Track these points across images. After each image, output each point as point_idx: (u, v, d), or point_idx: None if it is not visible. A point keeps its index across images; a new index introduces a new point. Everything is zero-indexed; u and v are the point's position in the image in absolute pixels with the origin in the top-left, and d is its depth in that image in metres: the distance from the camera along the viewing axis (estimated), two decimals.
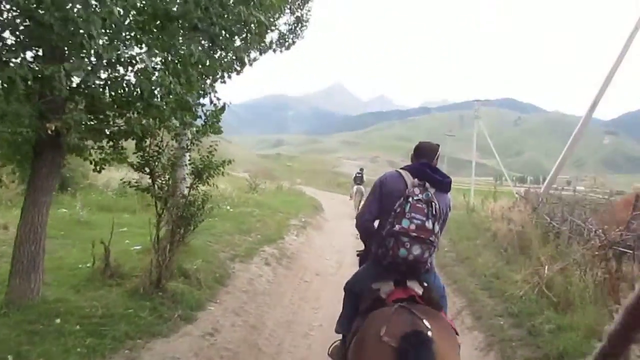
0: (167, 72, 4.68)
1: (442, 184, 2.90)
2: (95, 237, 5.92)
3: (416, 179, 2.86)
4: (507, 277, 6.96)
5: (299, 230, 12.08)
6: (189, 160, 6.56)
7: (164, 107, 4.72)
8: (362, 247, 3.54)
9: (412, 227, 2.67)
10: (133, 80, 4.57)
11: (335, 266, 9.44)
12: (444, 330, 2.46)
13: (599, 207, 8.99)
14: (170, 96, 4.68)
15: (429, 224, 2.69)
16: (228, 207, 13.53)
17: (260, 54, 9.35)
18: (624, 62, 12.28)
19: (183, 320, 4.91)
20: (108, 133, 5.27)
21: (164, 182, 5.97)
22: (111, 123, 5.17)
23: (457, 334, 2.66)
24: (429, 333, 2.29)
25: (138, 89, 4.54)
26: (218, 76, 6.01)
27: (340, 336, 3.25)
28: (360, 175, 18.64)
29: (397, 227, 2.69)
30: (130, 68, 4.56)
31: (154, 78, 4.53)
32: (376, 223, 3.08)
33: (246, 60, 7.12)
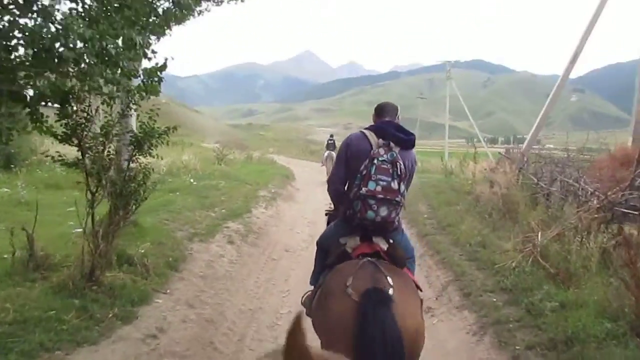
0: (79, 16, 3.72)
1: (406, 141, 2.91)
2: (32, 220, 4.99)
3: (380, 139, 2.87)
4: (496, 245, 6.32)
5: (268, 203, 11.25)
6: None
7: (79, 60, 3.76)
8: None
9: (379, 189, 2.69)
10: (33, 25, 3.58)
11: (307, 240, 8.67)
12: (407, 287, 2.51)
13: (585, 164, 8.40)
14: (86, 45, 3.73)
15: (394, 185, 2.71)
16: (191, 180, 12.59)
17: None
18: (601, 16, 11.58)
19: (120, 320, 4.04)
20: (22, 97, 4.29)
21: (97, 154, 5.00)
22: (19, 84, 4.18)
23: (420, 289, 2.75)
24: (390, 291, 2.34)
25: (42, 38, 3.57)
26: (153, 26, 5.00)
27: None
28: (332, 141, 18.96)
29: (363, 189, 2.70)
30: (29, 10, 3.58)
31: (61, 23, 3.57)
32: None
33: (193, 5, 6.06)
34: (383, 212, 2.70)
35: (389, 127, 2.93)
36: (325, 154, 18.54)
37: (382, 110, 3.15)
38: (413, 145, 2.99)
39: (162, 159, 7.41)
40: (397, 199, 2.72)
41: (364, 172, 2.74)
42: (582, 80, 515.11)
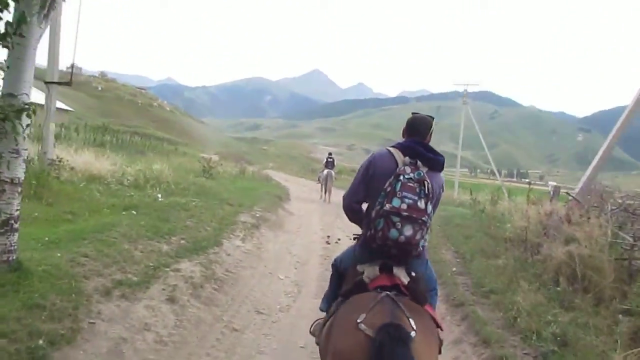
0: None
1: (435, 162, 2.72)
2: None
3: (407, 157, 2.67)
4: (589, 348, 3.87)
5: (248, 232, 8.82)
6: None
7: None
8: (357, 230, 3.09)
9: (404, 206, 2.49)
10: None
11: (291, 292, 6.26)
12: (428, 330, 2.27)
13: None
14: None
15: (421, 204, 2.50)
16: (158, 196, 10.20)
17: None
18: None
19: None
20: None
21: None
22: None
23: (440, 329, 2.51)
24: (412, 333, 2.10)
25: None
26: None
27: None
28: (331, 159, 18.28)
29: (387, 206, 2.51)
30: None
31: None
32: (364, 206, 2.87)
33: None
34: (407, 231, 2.47)
35: (417, 146, 2.72)
36: (325, 172, 17.73)
37: (413, 127, 2.87)
38: (442, 168, 2.77)
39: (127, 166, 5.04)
40: (423, 218, 2.49)
41: (388, 189, 2.54)
42: (589, 120, 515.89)
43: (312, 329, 3.13)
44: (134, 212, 8.25)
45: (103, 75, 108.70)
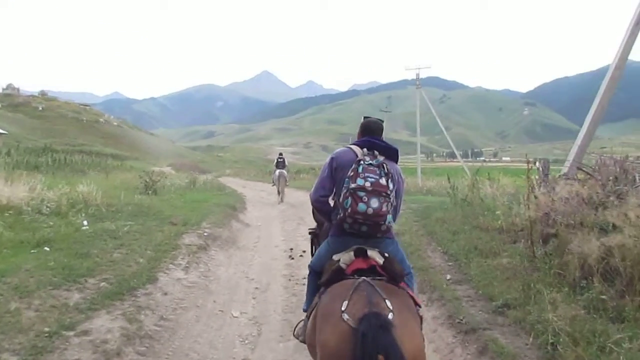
0: None
1: (391, 150, 2.95)
2: None
3: (365, 149, 2.91)
4: None
5: (194, 256, 7.26)
6: None
7: None
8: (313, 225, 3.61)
9: (367, 184, 2.67)
10: None
11: (248, 338, 4.77)
12: (406, 308, 2.38)
13: None
14: None
15: (383, 181, 2.69)
16: (84, 222, 8.49)
17: None
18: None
19: None
20: None
21: None
22: None
23: (419, 305, 2.63)
24: (390, 315, 2.20)
25: None
26: None
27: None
28: (282, 160, 17.94)
29: (352, 185, 2.69)
30: None
31: None
32: (331, 202, 3.04)
33: None
34: (374, 203, 2.64)
35: (374, 140, 2.97)
36: (277, 172, 17.24)
37: (367, 128, 3.13)
38: (397, 157, 3.00)
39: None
40: (387, 192, 2.68)
41: (352, 174, 2.74)
42: (533, 94, 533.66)
43: (295, 331, 3.28)
44: (46, 249, 6.60)
45: (43, 94, 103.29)
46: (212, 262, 7.39)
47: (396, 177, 2.82)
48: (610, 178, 5.24)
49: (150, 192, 14.44)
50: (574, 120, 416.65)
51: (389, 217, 2.70)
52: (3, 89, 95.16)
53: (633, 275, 3.79)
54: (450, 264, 6.01)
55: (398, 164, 3.00)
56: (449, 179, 10.64)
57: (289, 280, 6.62)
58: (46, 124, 76.19)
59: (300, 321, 3.19)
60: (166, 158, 69.71)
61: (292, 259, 7.94)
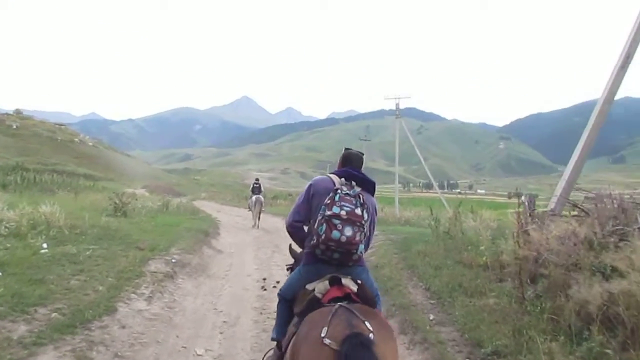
0: None
1: (368, 183, 3.02)
2: None
3: (343, 179, 3.00)
4: None
5: (159, 285, 6.76)
6: None
7: None
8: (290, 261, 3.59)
9: (343, 212, 2.71)
10: None
11: None
12: (384, 330, 2.42)
13: None
14: None
15: (358, 211, 2.74)
16: (44, 245, 7.91)
17: None
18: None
19: None
20: None
21: None
22: None
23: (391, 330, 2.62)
24: (371, 335, 2.25)
25: None
26: None
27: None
28: (257, 185, 17.95)
29: (328, 213, 2.73)
30: None
31: None
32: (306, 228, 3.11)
33: None
34: (348, 232, 2.68)
35: (352, 171, 3.06)
36: (254, 198, 17.15)
37: (347, 159, 3.20)
38: (374, 190, 3.08)
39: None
40: (361, 222, 2.73)
41: (328, 202, 2.78)
42: (508, 129, 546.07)
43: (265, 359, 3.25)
44: None
45: (18, 112, 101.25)
46: (178, 292, 6.90)
47: (371, 209, 2.90)
48: (609, 217, 4.98)
49: (119, 214, 13.84)
50: (548, 155, 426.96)
51: (361, 246, 2.77)
52: None
53: (638, 325, 3.48)
54: (432, 302, 5.65)
55: (374, 196, 3.10)
56: (431, 210, 10.36)
57: (260, 313, 6.17)
58: (20, 143, 74.38)
59: (270, 350, 3.19)
60: (141, 180, 68.50)
61: (265, 289, 7.49)
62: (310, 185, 3.08)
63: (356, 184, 2.92)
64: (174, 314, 6.00)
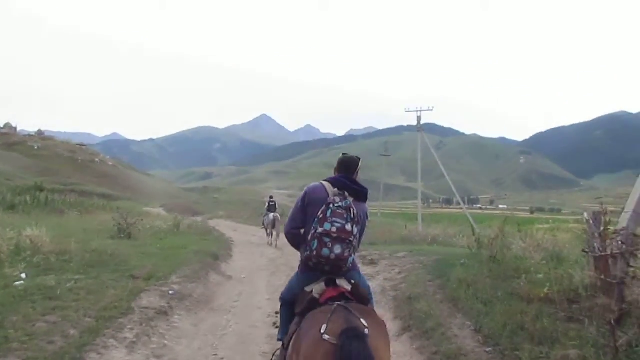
0: None
1: (360, 193, 3.19)
2: None
3: (336, 189, 3.13)
4: None
5: (147, 325, 5.60)
6: None
7: None
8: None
9: (333, 229, 2.91)
10: None
11: None
12: (378, 326, 2.63)
13: None
14: None
15: (348, 227, 2.94)
16: (22, 276, 6.87)
17: None
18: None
19: None
20: None
21: None
22: None
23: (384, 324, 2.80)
24: (366, 330, 2.45)
25: None
26: None
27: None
28: (273, 203, 18.12)
29: (320, 229, 2.94)
30: None
31: None
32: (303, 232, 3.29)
33: None
34: (337, 250, 2.89)
35: (345, 180, 3.19)
36: (271, 216, 16.98)
37: (342, 165, 3.33)
38: (366, 198, 3.25)
39: None
40: (350, 239, 2.94)
41: (321, 216, 2.97)
42: (528, 143, 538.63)
43: (273, 359, 3.57)
44: None
45: (40, 133, 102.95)
46: (171, 333, 5.72)
47: (362, 218, 3.11)
48: None
49: (123, 236, 12.82)
50: (570, 169, 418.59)
51: (351, 258, 2.99)
52: (0, 128, 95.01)
53: None
54: (488, 349, 4.35)
55: (366, 201, 3.27)
56: (473, 230, 9.05)
57: None
58: (41, 163, 75.13)
59: (277, 350, 3.44)
60: (160, 199, 68.23)
61: (277, 327, 6.27)
62: (306, 193, 3.23)
63: (349, 194, 3.08)
64: None
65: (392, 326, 5.87)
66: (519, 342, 4.27)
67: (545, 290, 5.15)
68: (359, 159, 3.38)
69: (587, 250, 4.88)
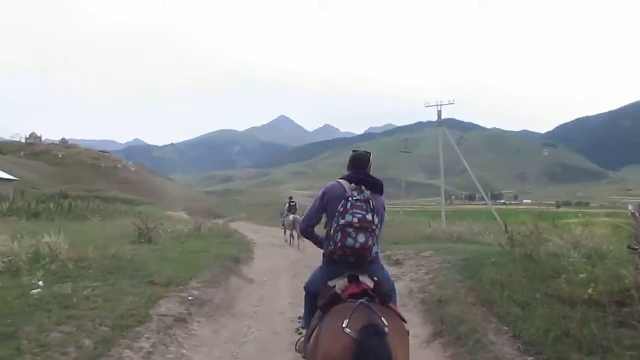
0: None
1: (376, 185, 3.28)
2: None
3: (353, 184, 3.23)
4: None
5: (165, 334, 5.36)
6: None
7: None
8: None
9: (355, 220, 2.98)
10: None
11: None
12: (398, 326, 2.72)
13: None
14: None
15: (369, 217, 3.01)
16: (40, 284, 6.73)
17: None
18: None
19: None
20: None
21: None
22: None
23: (404, 321, 2.89)
24: (386, 329, 2.50)
25: None
26: None
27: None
28: (293, 204, 18.03)
29: (342, 222, 3.01)
30: None
31: None
32: (317, 230, 3.56)
33: None
34: (361, 239, 2.96)
35: (360, 175, 3.30)
36: (291, 217, 17.01)
37: (354, 161, 3.43)
38: (382, 190, 3.31)
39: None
40: (372, 227, 3.01)
41: (341, 210, 3.05)
42: (552, 135, 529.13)
43: (297, 347, 3.63)
44: None
45: (64, 142, 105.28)
46: (189, 341, 5.47)
47: (381, 210, 3.19)
48: None
49: (143, 240, 12.71)
50: (596, 161, 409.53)
51: (375, 248, 3.08)
52: (26, 138, 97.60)
53: None
54: (530, 359, 3.99)
55: (383, 194, 3.33)
56: (506, 228, 8.60)
57: None
58: (65, 171, 76.71)
59: (301, 337, 3.52)
60: (182, 203, 68.89)
61: (301, 333, 5.98)
62: (324, 193, 3.33)
63: (366, 188, 3.17)
64: None
65: (421, 331, 5.54)
66: (565, 350, 3.88)
67: (590, 291, 4.74)
68: (369, 153, 3.48)
69: (635, 246, 4.46)
